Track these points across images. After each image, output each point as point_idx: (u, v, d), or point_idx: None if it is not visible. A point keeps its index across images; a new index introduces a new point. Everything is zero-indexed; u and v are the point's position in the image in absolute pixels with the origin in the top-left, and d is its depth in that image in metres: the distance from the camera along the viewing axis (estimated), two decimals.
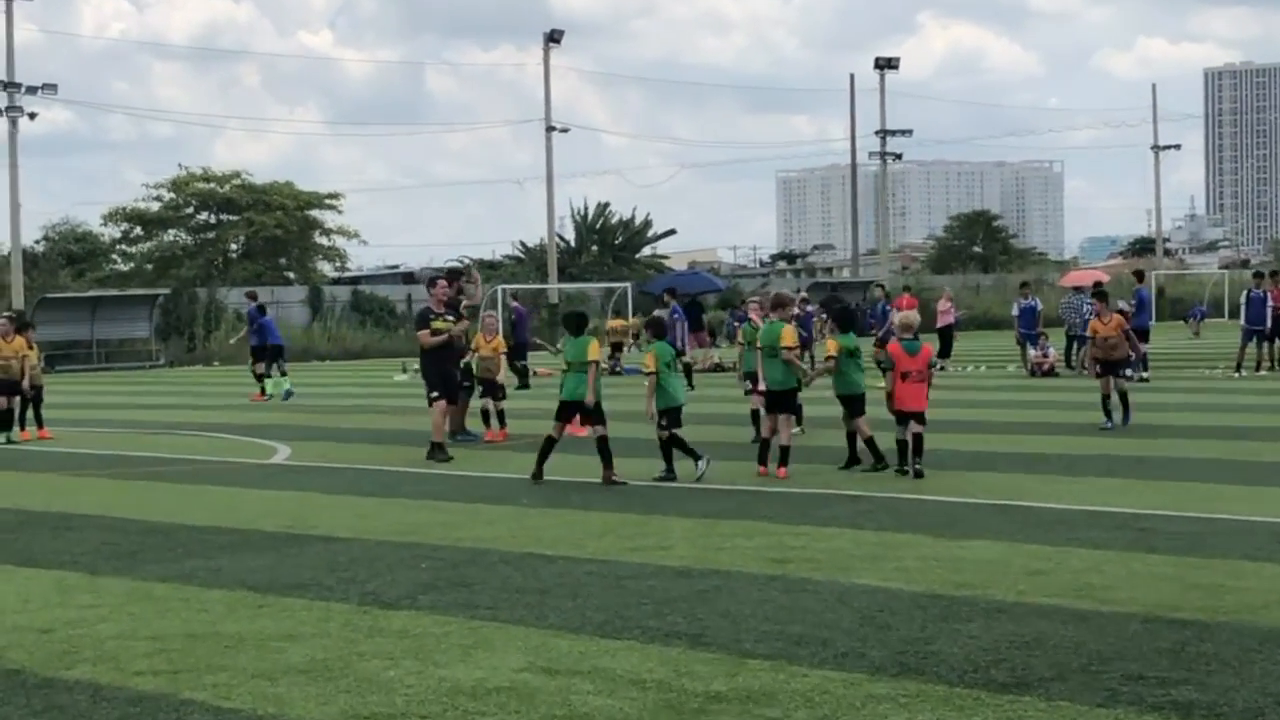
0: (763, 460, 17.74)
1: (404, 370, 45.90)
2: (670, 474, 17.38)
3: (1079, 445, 20.29)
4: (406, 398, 32.55)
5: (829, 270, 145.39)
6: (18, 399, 24.92)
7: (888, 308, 38.79)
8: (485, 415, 23.01)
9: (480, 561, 12.14)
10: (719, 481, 17.06)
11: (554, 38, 69.53)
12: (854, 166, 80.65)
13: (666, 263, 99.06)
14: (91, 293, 65.42)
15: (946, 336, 42.04)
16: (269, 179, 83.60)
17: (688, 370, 28.65)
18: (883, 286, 47.47)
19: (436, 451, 20.05)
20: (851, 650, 8.85)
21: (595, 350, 17.58)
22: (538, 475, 17.49)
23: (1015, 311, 39.02)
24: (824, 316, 44.03)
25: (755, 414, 20.39)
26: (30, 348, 25.51)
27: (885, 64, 77.88)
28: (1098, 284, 39.18)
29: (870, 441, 17.96)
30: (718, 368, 42.43)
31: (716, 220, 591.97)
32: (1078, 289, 37.81)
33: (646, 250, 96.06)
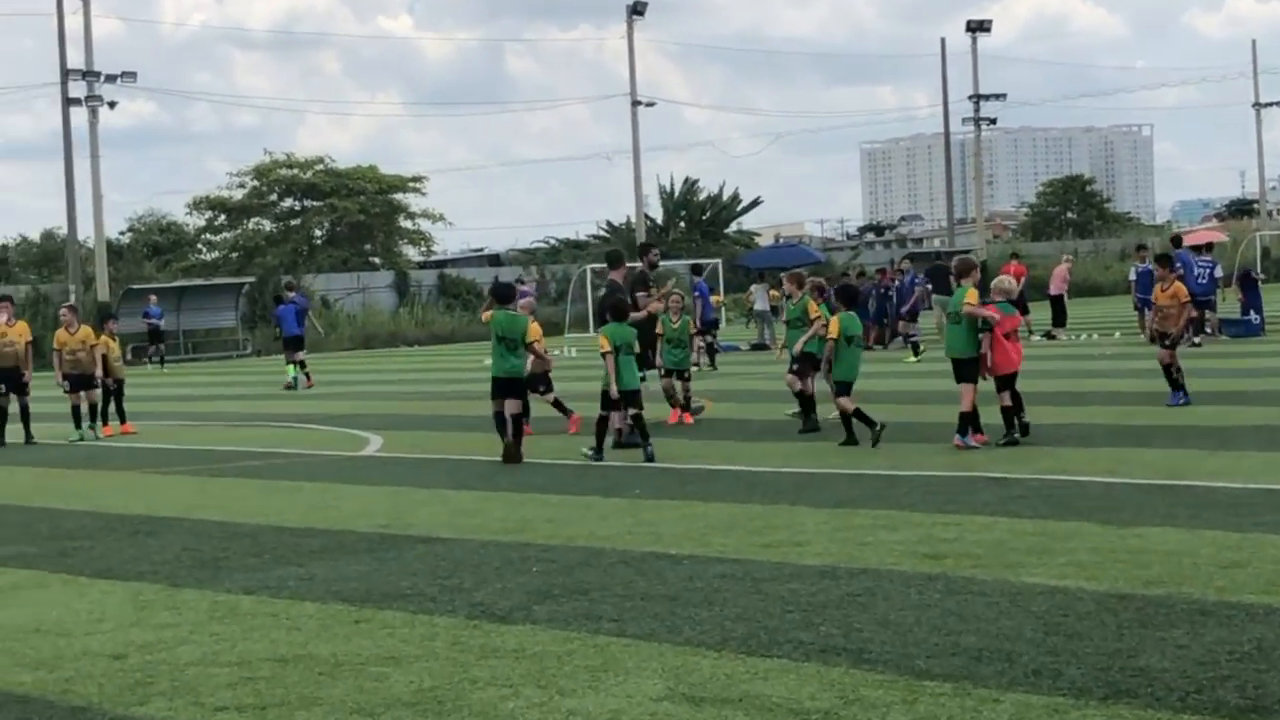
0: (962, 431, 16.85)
1: None
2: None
3: (1227, 416, 18.81)
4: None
5: (918, 241, 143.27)
6: (98, 393, 23.88)
7: (915, 281, 37.36)
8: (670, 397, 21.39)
9: (597, 563, 10.93)
10: (844, 466, 15.78)
11: (637, 9, 68.19)
12: (947, 133, 78.78)
13: (757, 238, 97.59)
14: (177, 283, 64.89)
15: (1059, 305, 40.39)
16: (351, 164, 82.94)
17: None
18: (909, 259, 45.72)
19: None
20: (1044, 667, 7.56)
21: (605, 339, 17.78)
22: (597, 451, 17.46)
23: (1132, 276, 37.41)
24: (928, 286, 42.68)
25: (803, 397, 19.29)
26: (112, 339, 24.58)
27: (977, 27, 75.89)
28: (1176, 240, 37.55)
29: (846, 416, 17.75)
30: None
31: (801, 194, 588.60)
32: (1195, 249, 36.09)
33: (734, 225, 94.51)
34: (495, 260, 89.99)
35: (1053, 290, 40.60)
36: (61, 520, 14.60)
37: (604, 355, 17.72)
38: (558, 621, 9.07)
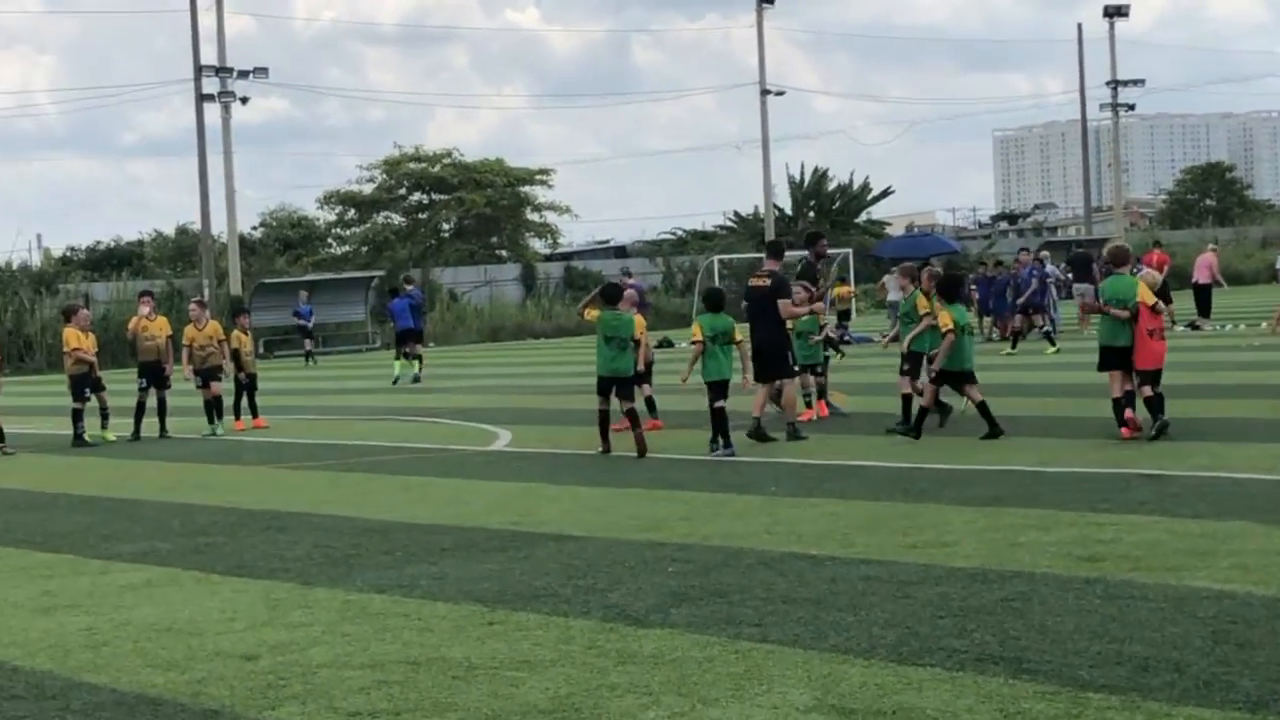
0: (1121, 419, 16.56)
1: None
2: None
3: None
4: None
5: (1053, 230, 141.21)
6: (223, 387, 23.85)
7: (1033, 272, 36.32)
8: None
9: (736, 564, 10.59)
10: (990, 461, 15.30)
11: None
12: (1084, 120, 77.42)
13: (888, 228, 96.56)
14: (307, 277, 65.41)
15: (1205, 294, 39.31)
16: (479, 157, 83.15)
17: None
18: (1045, 248, 44.25)
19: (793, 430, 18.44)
20: (1215, 678, 7.12)
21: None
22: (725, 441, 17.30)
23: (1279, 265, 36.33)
24: (1067, 275, 41.83)
25: (907, 400, 18.52)
26: (244, 334, 24.62)
27: (1115, 11, 74.47)
28: None
29: (923, 406, 17.58)
30: None
31: (931, 182, 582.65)
32: None
33: (863, 215, 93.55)
34: (621, 252, 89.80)
35: (1199, 279, 39.49)
36: (194, 516, 14.54)
37: (694, 343, 17.89)
38: (697, 625, 8.75)
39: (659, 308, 57.54)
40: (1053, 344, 33.00)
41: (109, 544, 13.09)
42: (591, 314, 18.60)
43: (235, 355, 24.27)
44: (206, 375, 23.66)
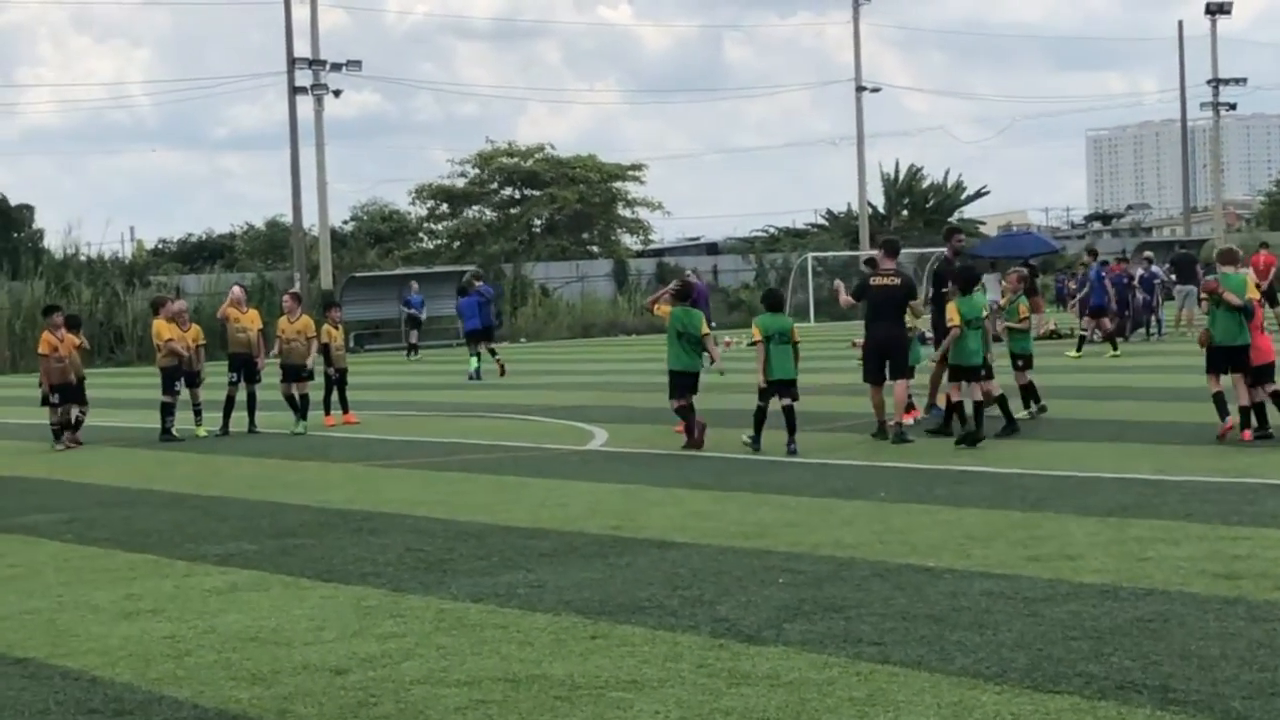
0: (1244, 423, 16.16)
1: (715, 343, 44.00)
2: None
3: None
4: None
5: (1148, 230, 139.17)
6: (309, 384, 23.41)
7: (1102, 273, 35.36)
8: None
9: (849, 575, 10.04)
10: (1109, 469, 14.64)
11: None
12: (1184, 119, 75.98)
13: (981, 227, 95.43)
14: (399, 270, 65.31)
15: None
16: (571, 153, 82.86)
17: None
18: (1143, 249, 43.08)
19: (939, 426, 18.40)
20: None
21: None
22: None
23: None
24: (1172, 278, 40.84)
25: (957, 408, 17.66)
26: (335, 328, 24.29)
27: (1217, 9, 73.04)
28: None
29: (958, 407, 17.33)
30: (1053, 334, 39.44)
31: (1024, 181, 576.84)
32: None
33: (959, 213, 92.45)
34: (713, 249, 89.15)
35: None
36: (283, 516, 14.16)
37: (754, 344, 17.89)
38: (813, 643, 8.22)
39: (752, 305, 56.88)
40: (1114, 347, 32.22)
41: (194, 544, 12.72)
42: (663, 309, 18.77)
43: (325, 350, 23.94)
44: (289, 371, 23.22)
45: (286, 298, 24.81)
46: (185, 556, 12.13)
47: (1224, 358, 16.37)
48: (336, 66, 58.85)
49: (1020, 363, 19.88)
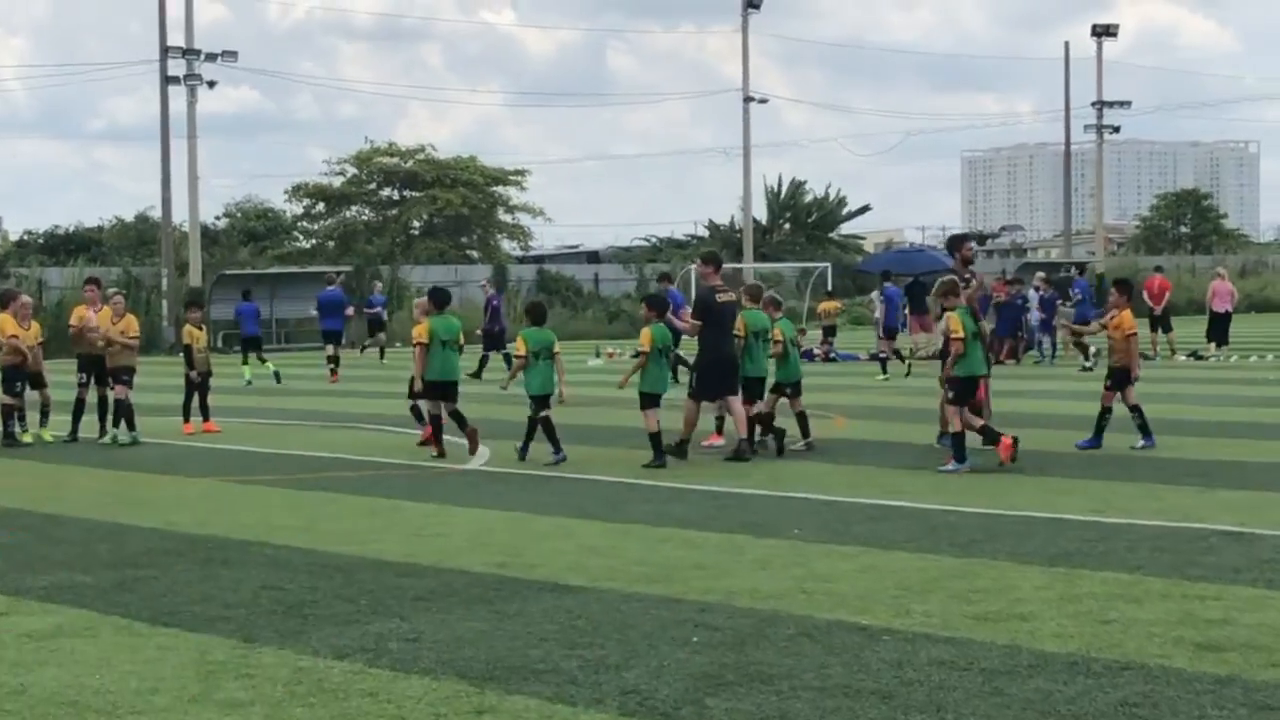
0: None
1: (597, 355, 42.81)
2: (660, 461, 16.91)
3: None
4: (604, 386, 29.25)
5: (1024, 251, 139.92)
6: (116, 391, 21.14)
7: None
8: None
9: (773, 634, 8.72)
10: (1037, 507, 13.46)
11: (752, 3, 65.72)
12: (1068, 140, 75.55)
13: (862, 243, 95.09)
14: (271, 270, 63.30)
15: (1224, 322, 37.54)
16: (452, 155, 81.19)
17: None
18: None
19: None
20: None
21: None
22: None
23: None
24: (1059, 301, 40.12)
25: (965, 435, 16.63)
26: (197, 329, 22.59)
27: (1103, 31, 72.73)
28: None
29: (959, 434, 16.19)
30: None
31: (899, 200, 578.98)
32: None
33: (841, 229, 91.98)
34: (594, 257, 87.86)
35: (1217, 307, 37.73)
36: (125, 540, 12.58)
37: (638, 354, 17.58)
38: None
39: (633, 316, 55.66)
40: (884, 370, 32.66)
41: (19, 574, 11.13)
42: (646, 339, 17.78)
43: (187, 351, 22.27)
44: (116, 371, 21.23)
45: (115, 295, 22.61)
46: (6, 589, 10.55)
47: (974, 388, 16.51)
48: (211, 57, 56.68)
49: (789, 390, 18.84)
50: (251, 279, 56.79)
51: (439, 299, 19.12)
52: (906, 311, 42.01)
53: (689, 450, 17.68)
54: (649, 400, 17.37)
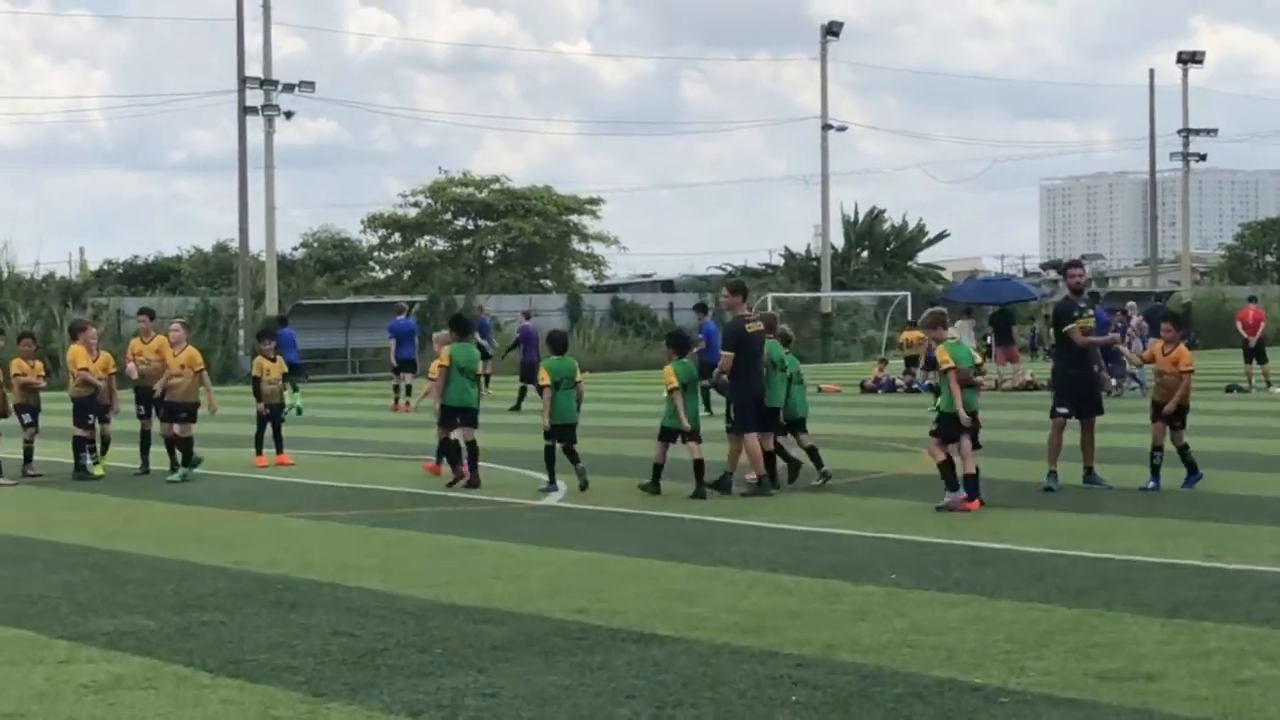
0: None
1: None
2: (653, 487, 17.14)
3: None
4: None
5: (1105, 280, 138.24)
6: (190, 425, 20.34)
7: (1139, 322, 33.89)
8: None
9: (879, 695, 8.08)
10: (1150, 552, 12.72)
11: (832, 30, 65.23)
12: (1153, 168, 74.43)
13: (941, 272, 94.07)
14: (347, 299, 63.16)
15: None
16: (526, 185, 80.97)
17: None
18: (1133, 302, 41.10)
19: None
20: None
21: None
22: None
23: None
24: (1144, 327, 39.22)
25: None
26: (269, 360, 22.19)
27: (1189, 58, 71.66)
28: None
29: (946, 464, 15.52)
30: (1029, 386, 37.71)
31: (976, 228, 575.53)
32: None
33: (920, 257, 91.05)
34: (668, 286, 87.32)
35: None
36: (192, 581, 12.08)
37: (670, 392, 17.39)
38: None
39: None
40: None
41: (82, 617, 10.66)
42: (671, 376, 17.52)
43: (255, 383, 21.87)
44: (173, 408, 20.34)
45: (175, 325, 21.36)
46: (68, 634, 10.07)
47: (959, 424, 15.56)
48: (289, 87, 56.72)
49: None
50: (327, 309, 56.77)
51: (460, 326, 19.50)
52: (990, 342, 41.24)
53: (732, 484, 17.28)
54: (667, 434, 17.35)
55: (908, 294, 64.35)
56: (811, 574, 11.90)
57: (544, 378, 17.82)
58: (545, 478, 17.86)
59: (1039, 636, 9.42)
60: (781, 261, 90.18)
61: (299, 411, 32.73)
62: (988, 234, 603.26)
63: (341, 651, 9.36)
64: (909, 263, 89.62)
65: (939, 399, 16.16)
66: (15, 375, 20.90)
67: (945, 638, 9.44)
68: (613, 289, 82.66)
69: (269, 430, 21.94)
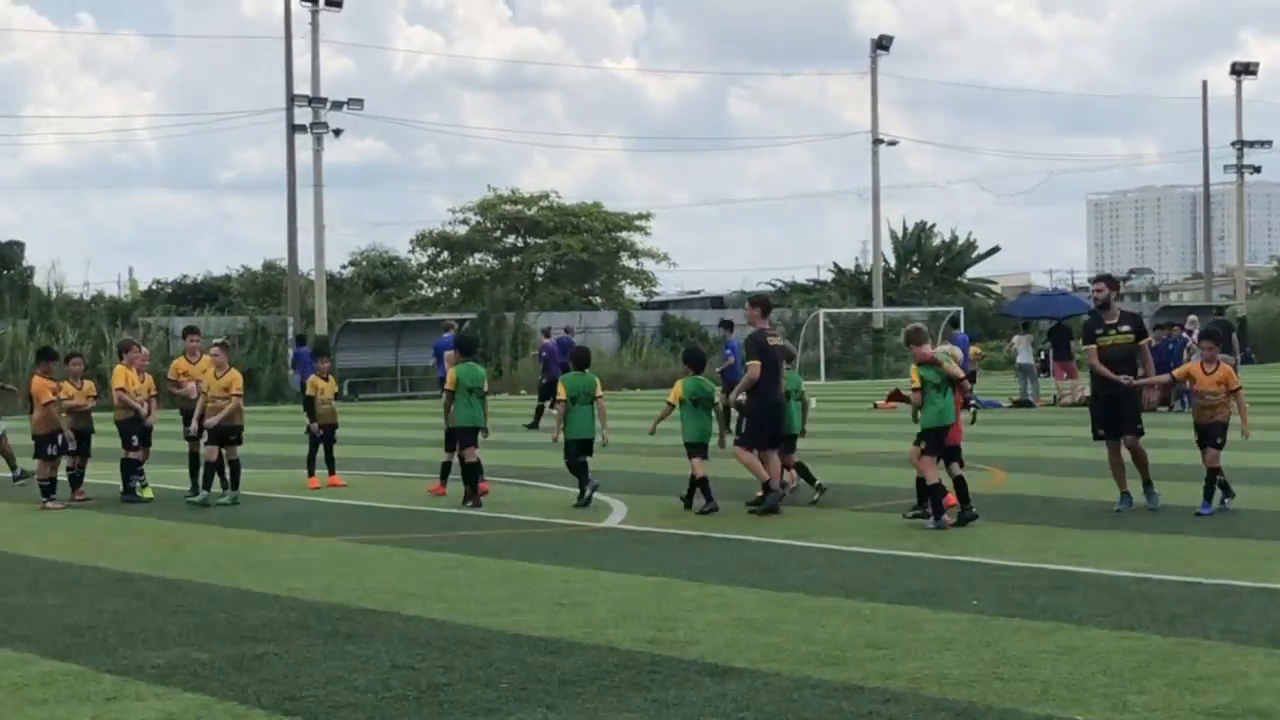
0: None
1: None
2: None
3: None
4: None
5: (1154, 295, 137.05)
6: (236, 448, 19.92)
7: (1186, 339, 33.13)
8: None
9: None
10: (1237, 574, 12.18)
11: (882, 44, 64.75)
12: (1206, 181, 73.62)
13: (993, 287, 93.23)
14: (396, 317, 62.97)
15: None
16: (575, 201, 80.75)
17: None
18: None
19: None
20: None
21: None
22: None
23: None
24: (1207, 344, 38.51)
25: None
26: (323, 380, 21.85)
27: (1242, 70, 70.84)
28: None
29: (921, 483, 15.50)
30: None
31: (1023, 243, 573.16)
32: None
33: (970, 272, 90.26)
34: (718, 302, 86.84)
35: None
36: (245, 610, 11.67)
37: (670, 405, 17.92)
38: None
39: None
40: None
41: (131, 649, 10.25)
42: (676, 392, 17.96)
43: (309, 404, 21.52)
44: (223, 430, 19.75)
45: (214, 348, 20.62)
46: (117, 668, 9.66)
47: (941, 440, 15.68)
48: (337, 105, 56.67)
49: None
50: (378, 327, 56.55)
51: (464, 346, 19.62)
52: (1046, 357, 40.64)
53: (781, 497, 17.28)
54: (695, 449, 17.53)
55: (960, 309, 63.74)
56: (889, 600, 11.41)
57: (561, 392, 18.20)
58: (584, 492, 18.08)
59: (1137, 668, 8.90)
60: (830, 277, 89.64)
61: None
62: (1034, 249, 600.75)
63: (403, 686, 8.93)
64: (959, 277, 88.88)
65: (922, 418, 15.87)
66: (63, 399, 20.32)
67: (1038, 669, 8.93)
68: (662, 305, 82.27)
69: (320, 451, 21.61)
